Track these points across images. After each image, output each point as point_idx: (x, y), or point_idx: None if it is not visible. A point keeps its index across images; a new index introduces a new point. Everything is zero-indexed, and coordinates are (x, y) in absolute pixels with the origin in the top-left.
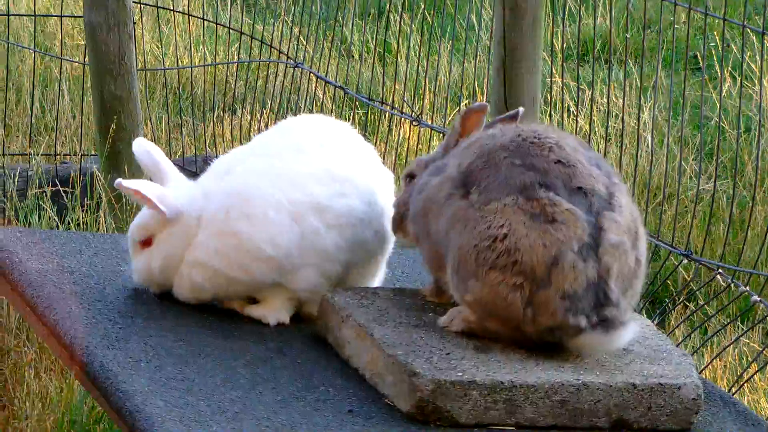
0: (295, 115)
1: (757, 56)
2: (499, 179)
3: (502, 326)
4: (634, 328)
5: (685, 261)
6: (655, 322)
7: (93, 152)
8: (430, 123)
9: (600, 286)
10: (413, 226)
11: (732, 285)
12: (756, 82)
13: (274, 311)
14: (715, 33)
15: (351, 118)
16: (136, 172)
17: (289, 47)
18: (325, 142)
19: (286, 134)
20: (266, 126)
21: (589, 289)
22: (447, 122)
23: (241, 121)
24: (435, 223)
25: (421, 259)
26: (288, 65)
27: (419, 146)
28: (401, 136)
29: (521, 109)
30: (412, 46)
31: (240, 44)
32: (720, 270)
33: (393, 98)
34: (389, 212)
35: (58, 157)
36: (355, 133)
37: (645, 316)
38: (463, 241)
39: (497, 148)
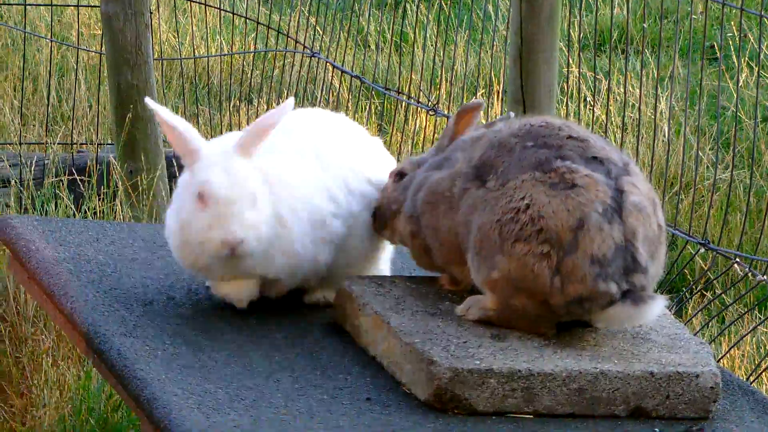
0: (313, 105)
1: None
2: (513, 162)
3: (529, 300)
4: (662, 303)
5: (702, 250)
6: (673, 311)
7: (109, 141)
8: (446, 112)
9: (628, 249)
10: (409, 225)
11: (749, 274)
12: None
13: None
14: (732, 23)
15: (367, 107)
16: (152, 161)
17: (305, 37)
18: (332, 141)
19: (293, 134)
20: None
21: (617, 253)
22: None
23: (257, 110)
24: (448, 218)
25: (412, 255)
26: (304, 55)
27: (435, 135)
28: (417, 125)
29: (512, 114)
30: (428, 36)
31: (256, 34)
32: (737, 259)
33: (409, 88)
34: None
35: (74, 146)
36: (351, 124)
37: None
38: (484, 219)
39: (508, 137)
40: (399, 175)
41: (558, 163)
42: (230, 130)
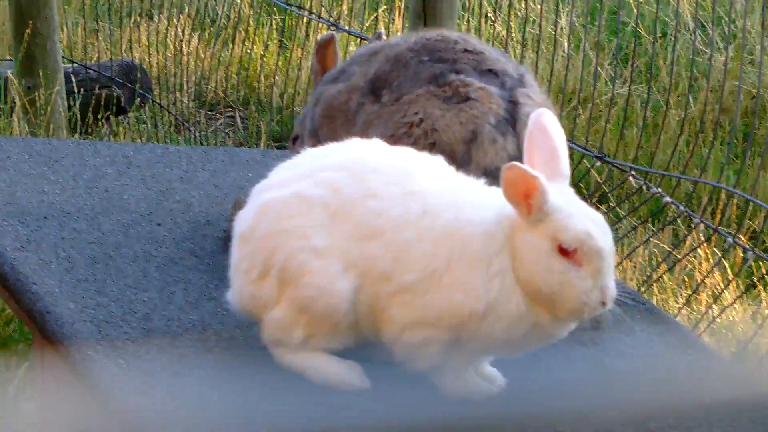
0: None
1: None
2: (408, 76)
3: None
4: None
5: (599, 163)
6: None
7: (8, 57)
8: (347, 28)
9: (521, 161)
10: (311, 140)
11: (644, 187)
12: None
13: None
14: None
15: (269, 23)
16: (51, 77)
17: None
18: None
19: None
20: (182, 31)
21: None
22: (365, 28)
23: (158, 26)
24: (344, 132)
25: None
26: None
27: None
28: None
29: (382, 31)
30: None
31: None
32: (632, 172)
33: (311, 3)
34: None
35: None
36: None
37: None
38: (378, 132)
39: (404, 51)
40: (293, 140)
41: (452, 77)
42: (130, 46)
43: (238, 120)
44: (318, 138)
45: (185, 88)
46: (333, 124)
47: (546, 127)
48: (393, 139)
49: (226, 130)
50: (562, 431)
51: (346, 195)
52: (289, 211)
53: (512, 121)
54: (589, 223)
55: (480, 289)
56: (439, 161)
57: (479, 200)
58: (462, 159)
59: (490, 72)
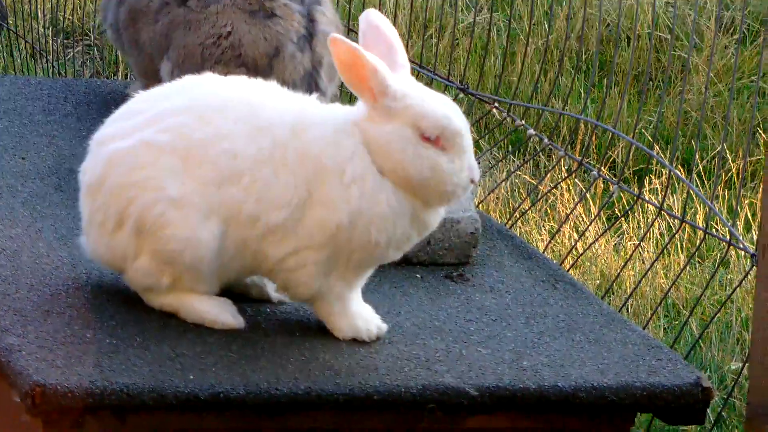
0: None
1: None
2: None
3: None
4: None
5: (461, 95)
6: None
7: None
8: None
9: (312, 76)
10: (113, 35)
11: (508, 119)
12: None
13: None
14: None
15: None
16: None
17: None
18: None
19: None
20: None
21: (304, 78)
22: None
23: None
24: (146, 32)
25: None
26: None
27: None
28: None
29: None
30: None
31: None
32: (495, 104)
33: None
34: None
35: None
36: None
37: None
38: (188, 40)
39: None
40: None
41: None
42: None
43: (95, 49)
44: (121, 38)
45: (40, 15)
46: (135, 26)
47: (377, 24)
48: (201, 47)
49: (84, 59)
50: (436, 370)
51: (196, 139)
52: (138, 161)
53: (310, 37)
54: (443, 106)
55: (338, 200)
56: (274, 86)
57: (319, 117)
58: (264, 72)
59: None
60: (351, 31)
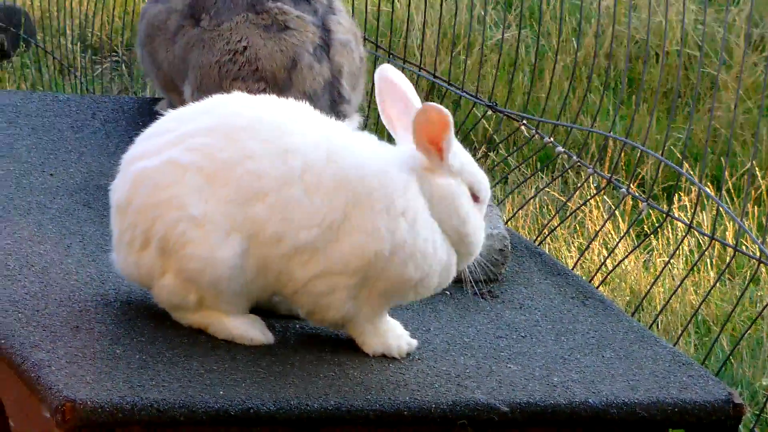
0: None
1: None
2: (226, 2)
3: None
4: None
5: (490, 112)
6: None
7: None
8: None
9: (334, 85)
10: (139, 50)
11: (537, 136)
12: None
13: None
14: None
15: None
16: None
17: None
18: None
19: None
20: None
21: (325, 88)
22: None
23: None
24: (164, 51)
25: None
26: None
27: None
28: None
29: None
30: None
31: None
32: (524, 121)
33: None
34: None
35: None
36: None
37: None
38: (204, 60)
39: None
40: None
41: (269, 4)
42: None
43: (123, 65)
44: (144, 51)
45: (68, 32)
46: (153, 43)
47: (392, 80)
48: (218, 65)
49: (112, 74)
50: (466, 386)
51: (222, 159)
52: (164, 180)
53: (326, 47)
54: (481, 170)
55: (383, 230)
56: (302, 107)
57: (356, 144)
58: (283, 84)
59: (304, 0)
60: (370, 43)
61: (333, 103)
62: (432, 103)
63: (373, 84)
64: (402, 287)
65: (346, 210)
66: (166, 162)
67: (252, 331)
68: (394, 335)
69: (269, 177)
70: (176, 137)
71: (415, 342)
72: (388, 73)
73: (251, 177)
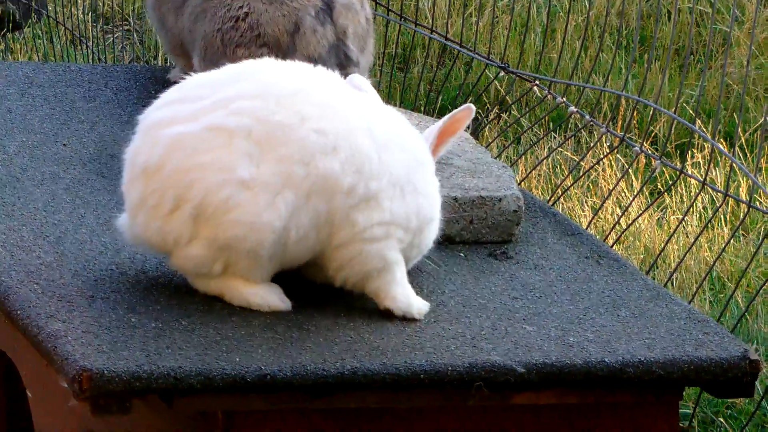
0: None
1: None
2: None
3: None
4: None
5: (502, 73)
6: (469, 131)
7: None
8: None
9: (340, 48)
10: (149, 11)
11: (549, 96)
12: None
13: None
14: None
15: None
16: None
17: None
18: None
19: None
20: None
21: (331, 51)
22: None
23: None
24: (172, 18)
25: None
26: None
27: None
28: None
29: None
30: None
31: None
32: (537, 82)
33: None
34: None
35: None
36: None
37: None
38: (206, 28)
39: None
40: None
41: None
42: None
43: (134, 34)
44: (154, 15)
45: (79, 1)
46: (161, 8)
47: (360, 88)
48: (221, 33)
49: (123, 44)
50: (482, 348)
51: (276, 121)
52: (206, 145)
53: (329, 10)
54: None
55: (436, 195)
56: (334, 76)
57: (395, 114)
58: (287, 49)
59: None
60: (381, 6)
61: (341, 66)
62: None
63: (384, 46)
64: (424, 251)
65: (409, 171)
66: (208, 126)
67: (270, 297)
68: (414, 295)
69: (336, 134)
70: (214, 103)
71: (428, 305)
72: (357, 81)
73: (317, 135)
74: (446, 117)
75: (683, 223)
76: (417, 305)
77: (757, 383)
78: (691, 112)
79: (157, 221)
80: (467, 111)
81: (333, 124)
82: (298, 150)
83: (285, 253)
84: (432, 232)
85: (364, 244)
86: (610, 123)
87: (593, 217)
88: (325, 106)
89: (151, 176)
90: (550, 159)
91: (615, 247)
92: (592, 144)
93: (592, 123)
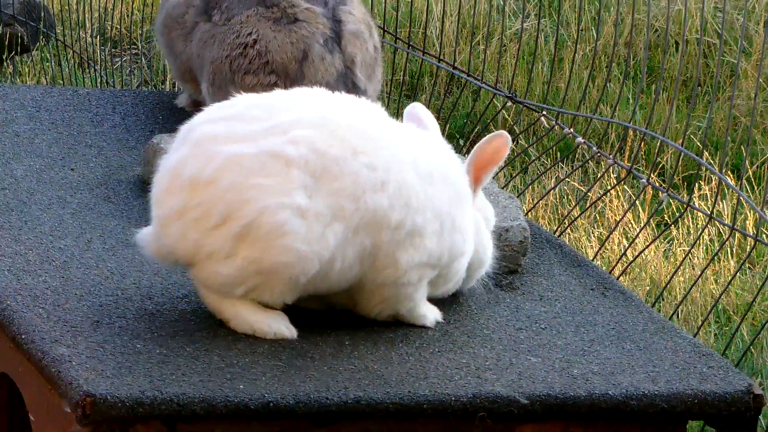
0: None
1: None
2: None
3: None
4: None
5: (509, 103)
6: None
7: None
8: None
9: (348, 76)
10: (158, 35)
11: (556, 126)
12: None
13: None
14: None
15: None
16: None
17: None
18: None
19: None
20: None
21: (339, 79)
22: None
23: None
24: (181, 44)
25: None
26: None
27: None
28: None
29: None
30: None
31: None
32: (544, 112)
33: None
34: None
35: None
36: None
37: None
38: (215, 55)
39: None
40: None
41: None
42: None
43: (143, 57)
44: (162, 40)
45: (87, 25)
46: (170, 34)
47: (420, 116)
48: (229, 59)
49: (131, 67)
50: (486, 378)
51: (332, 156)
52: (265, 169)
53: (337, 38)
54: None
55: (470, 231)
56: (378, 107)
57: (441, 145)
58: (296, 76)
59: None
60: (389, 34)
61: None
62: (506, 134)
63: (392, 74)
64: (453, 280)
65: (450, 205)
66: (267, 151)
67: (276, 324)
68: (431, 309)
69: (385, 168)
70: (272, 127)
71: (440, 313)
72: (417, 110)
73: (368, 170)
74: (476, 147)
75: (689, 255)
76: (431, 318)
77: (760, 418)
78: (698, 143)
79: (195, 233)
80: (501, 138)
81: (382, 158)
82: (350, 185)
83: (324, 282)
84: (462, 265)
85: (400, 288)
86: (618, 154)
87: (600, 248)
88: (375, 139)
89: (199, 189)
90: (557, 189)
91: (621, 279)
92: (599, 175)
93: (599, 154)
